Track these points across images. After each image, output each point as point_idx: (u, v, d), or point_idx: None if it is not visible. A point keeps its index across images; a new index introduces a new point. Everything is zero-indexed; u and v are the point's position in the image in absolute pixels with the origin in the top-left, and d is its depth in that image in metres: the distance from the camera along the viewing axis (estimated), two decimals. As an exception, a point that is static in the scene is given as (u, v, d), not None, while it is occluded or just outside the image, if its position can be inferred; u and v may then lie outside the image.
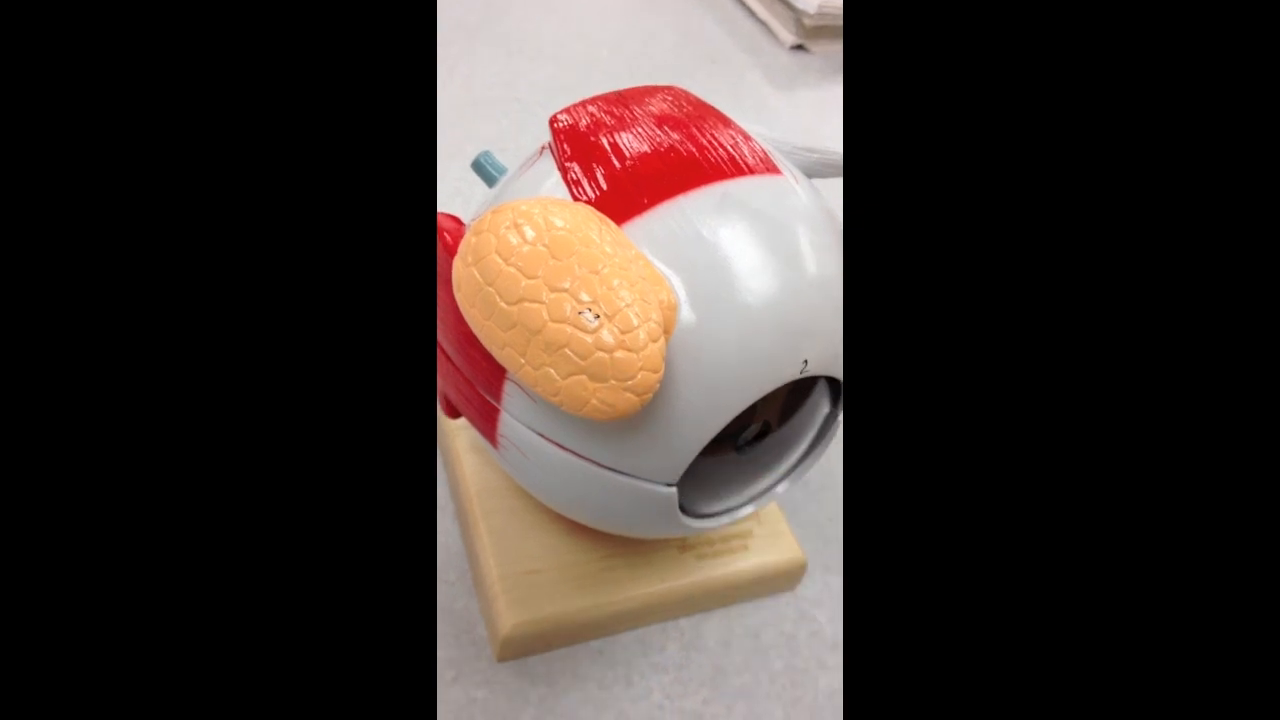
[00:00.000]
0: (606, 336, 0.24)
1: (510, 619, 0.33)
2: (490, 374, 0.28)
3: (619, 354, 0.24)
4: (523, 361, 0.25)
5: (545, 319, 0.24)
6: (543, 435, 0.28)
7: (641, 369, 0.24)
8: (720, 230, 0.27)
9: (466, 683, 0.34)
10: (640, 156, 0.28)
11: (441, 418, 0.40)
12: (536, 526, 0.36)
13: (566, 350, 0.24)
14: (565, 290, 0.24)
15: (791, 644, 0.38)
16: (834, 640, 0.38)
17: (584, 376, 0.24)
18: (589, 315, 0.24)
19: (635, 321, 0.24)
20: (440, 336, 0.31)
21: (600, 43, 0.74)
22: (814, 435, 0.32)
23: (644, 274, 0.26)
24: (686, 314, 0.26)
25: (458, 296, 0.26)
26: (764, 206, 0.28)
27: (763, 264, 0.27)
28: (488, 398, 0.29)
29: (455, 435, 0.39)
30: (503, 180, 0.32)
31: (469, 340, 0.28)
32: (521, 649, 0.35)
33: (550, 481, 0.29)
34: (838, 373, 0.29)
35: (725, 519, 0.31)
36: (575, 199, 0.28)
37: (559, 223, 0.25)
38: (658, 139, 0.29)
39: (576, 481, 0.29)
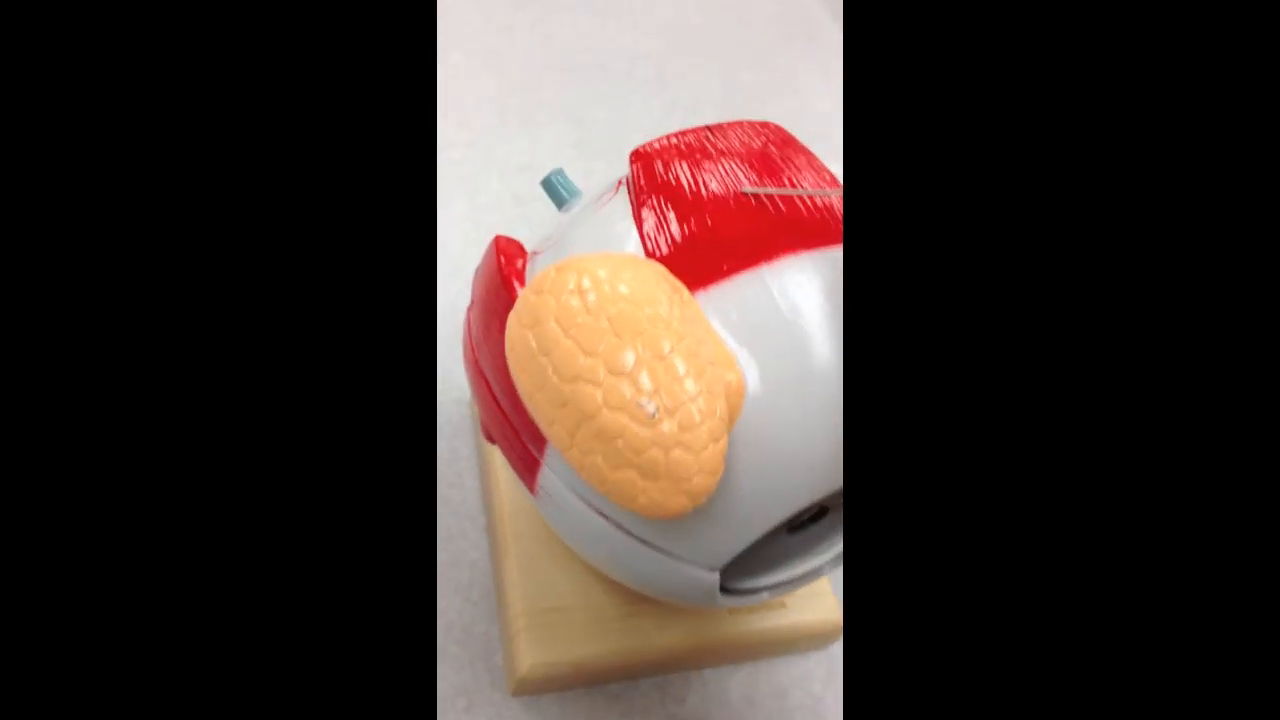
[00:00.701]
0: (665, 431, 0.21)
1: (529, 659, 0.32)
2: (536, 428, 0.26)
3: (676, 453, 0.22)
4: (570, 443, 0.23)
5: (600, 404, 0.22)
6: (583, 499, 0.26)
7: (699, 472, 0.22)
8: (801, 309, 0.24)
9: (478, 714, 0.33)
10: (725, 211, 0.26)
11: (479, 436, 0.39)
12: (567, 558, 0.35)
13: (619, 442, 0.22)
14: (625, 374, 0.22)
15: (819, 707, 0.36)
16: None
17: (635, 472, 0.22)
18: (648, 405, 0.22)
19: (698, 418, 0.22)
20: (486, 368, 0.29)
21: (691, 8, 0.69)
22: None
23: (713, 356, 0.23)
24: (754, 400, 0.24)
25: (509, 358, 0.24)
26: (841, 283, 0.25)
27: (840, 352, 0.24)
28: (530, 448, 0.27)
29: (494, 450, 0.37)
30: (573, 211, 0.29)
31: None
32: (537, 688, 0.34)
33: (585, 540, 0.28)
34: None
35: (766, 595, 0.29)
36: (648, 253, 0.26)
37: (624, 290, 0.23)
38: (746, 192, 0.26)
39: (614, 549, 0.27)
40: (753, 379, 0.24)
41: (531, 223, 0.50)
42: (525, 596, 0.34)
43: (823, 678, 0.37)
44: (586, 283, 0.23)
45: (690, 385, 0.22)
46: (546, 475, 0.27)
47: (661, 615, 0.34)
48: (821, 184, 0.27)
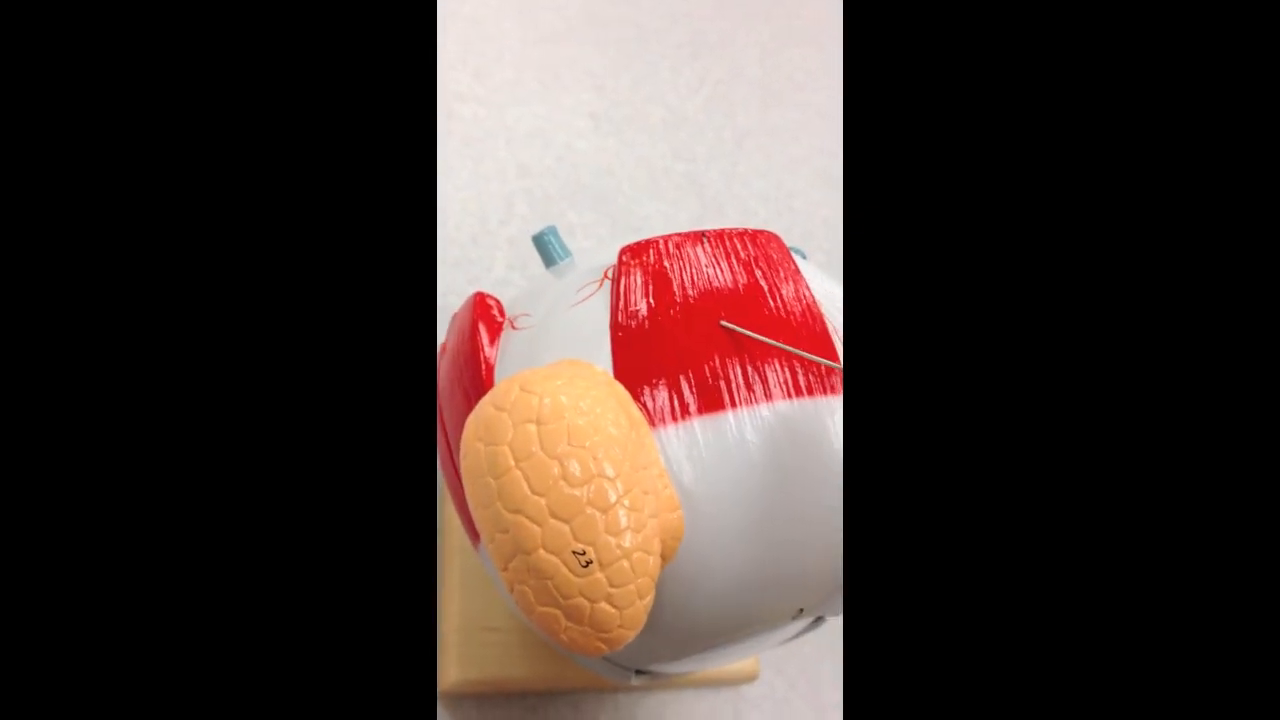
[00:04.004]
0: (595, 586, 0.22)
1: (456, 674, 0.34)
2: (483, 508, 0.27)
3: (601, 604, 0.23)
4: (505, 567, 0.23)
5: (538, 543, 0.23)
6: (519, 580, 0.27)
7: (620, 626, 0.23)
8: (756, 461, 0.25)
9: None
10: (700, 343, 0.26)
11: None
12: (507, 580, 0.36)
13: (549, 582, 0.23)
14: (567, 520, 0.22)
15: (718, 740, 0.39)
16: (759, 750, 0.39)
17: (560, 612, 0.23)
18: (584, 555, 0.22)
19: (629, 576, 0.22)
20: (447, 423, 0.29)
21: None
22: (800, 629, 0.31)
23: (660, 501, 0.24)
24: (689, 545, 0.25)
25: (462, 465, 0.24)
26: (808, 438, 0.25)
27: (783, 507, 0.25)
28: (477, 518, 0.28)
29: (454, 459, 0.38)
30: (554, 292, 0.29)
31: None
32: (460, 695, 0.36)
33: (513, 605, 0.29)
34: (831, 612, 0.28)
35: (680, 672, 0.31)
36: (618, 370, 0.26)
37: (581, 422, 0.23)
38: (723, 326, 0.26)
39: (541, 626, 0.28)
40: (693, 524, 0.25)
41: (533, 198, 0.49)
42: (462, 612, 0.35)
43: (729, 716, 0.39)
44: (546, 407, 0.23)
45: (628, 539, 0.23)
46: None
47: (586, 649, 0.36)
48: (811, 324, 0.27)
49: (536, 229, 0.48)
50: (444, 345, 0.31)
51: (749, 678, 0.39)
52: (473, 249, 0.46)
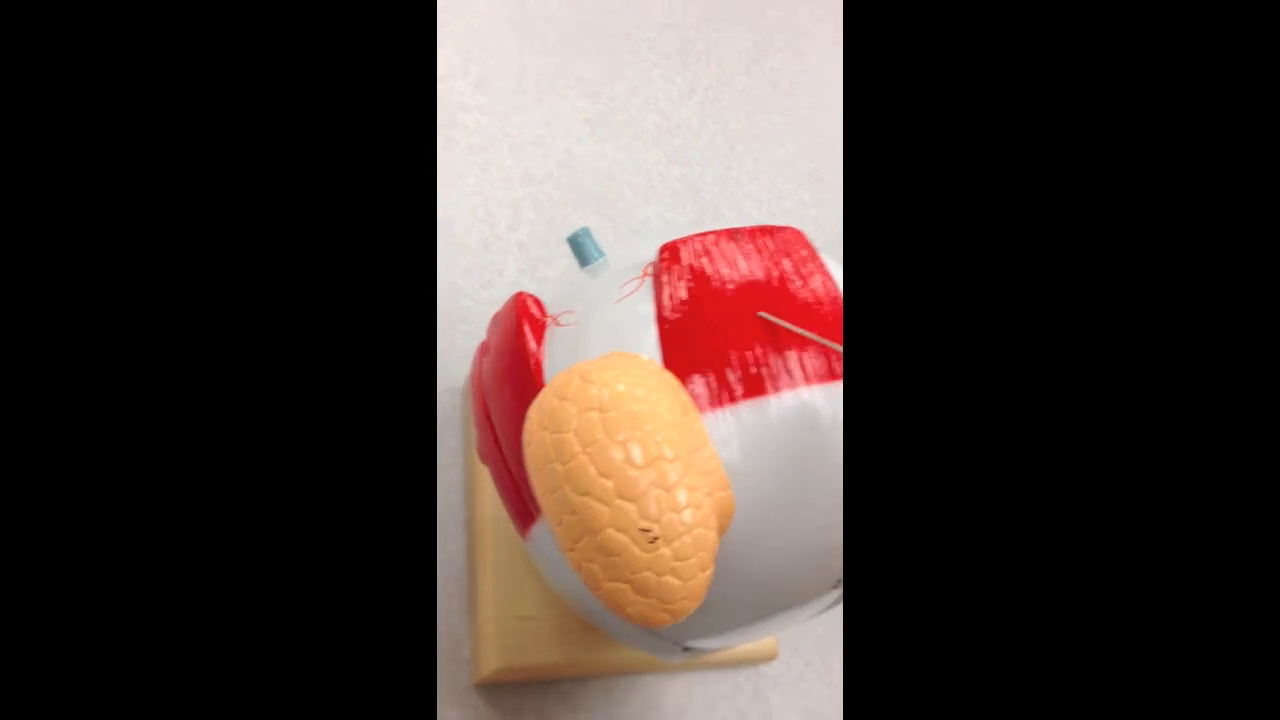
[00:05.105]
0: (660, 560, 0.24)
1: (495, 662, 0.36)
2: (536, 496, 0.29)
3: (667, 578, 0.24)
4: (573, 546, 0.25)
5: (606, 522, 0.24)
6: (571, 564, 0.29)
7: (685, 597, 0.24)
8: (798, 441, 0.27)
9: (442, 702, 0.36)
10: (741, 334, 0.27)
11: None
12: (539, 571, 0.38)
13: (618, 559, 0.24)
14: (633, 500, 0.24)
15: None
16: (780, 725, 0.41)
17: (628, 586, 0.24)
18: (650, 531, 0.24)
19: (692, 550, 0.24)
20: (496, 421, 0.31)
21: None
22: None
23: (713, 481, 0.26)
24: (739, 521, 0.26)
25: (526, 451, 0.26)
26: (841, 419, 0.27)
27: (822, 483, 0.27)
28: (531, 505, 0.30)
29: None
30: (594, 287, 0.30)
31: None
32: (500, 683, 0.37)
33: (565, 590, 0.31)
34: None
35: (721, 647, 0.33)
36: (666, 356, 0.27)
37: (639, 409, 0.25)
38: (764, 317, 0.28)
39: (592, 607, 0.30)
40: (742, 499, 0.26)
41: (539, 203, 0.50)
42: (497, 603, 0.37)
43: (749, 694, 0.41)
44: (606, 396, 0.25)
45: (688, 515, 0.24)
46: (539, 531, 0.30)
47: (618, 633, 0.38)
48: (833, 302, 0.29)
49: (544, 234, 0.50)
50: (485, 344, 0.33)
51: (769, 657, 0.41)
52: (484, 254, 0.47)
